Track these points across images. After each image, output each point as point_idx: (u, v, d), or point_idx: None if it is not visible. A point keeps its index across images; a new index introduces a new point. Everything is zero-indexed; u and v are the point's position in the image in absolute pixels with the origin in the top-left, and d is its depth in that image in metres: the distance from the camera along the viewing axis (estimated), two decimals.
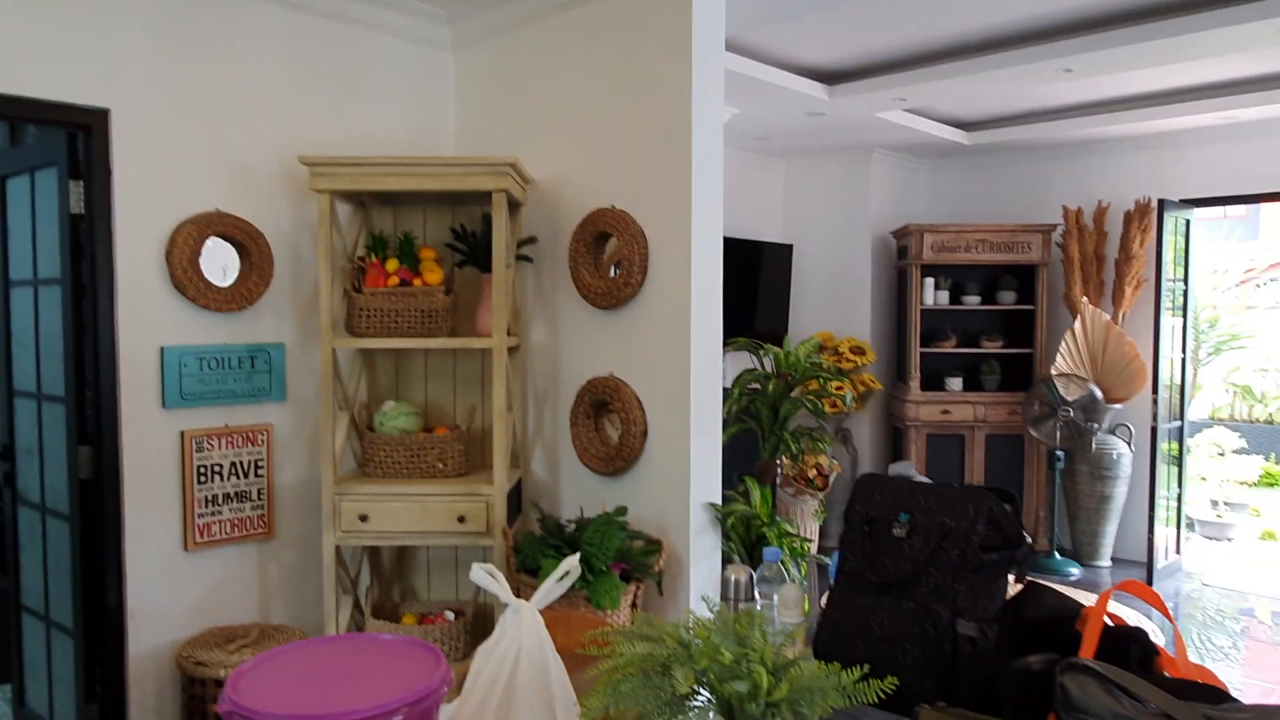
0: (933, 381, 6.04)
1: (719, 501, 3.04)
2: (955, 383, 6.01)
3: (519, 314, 3.46)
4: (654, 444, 3.07)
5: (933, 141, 5.90)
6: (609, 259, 3.21)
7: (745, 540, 3.04)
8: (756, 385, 3.76)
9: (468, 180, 2.97)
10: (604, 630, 1.28)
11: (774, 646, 1.16)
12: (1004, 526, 1.57)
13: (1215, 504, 7.03)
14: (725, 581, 1.65)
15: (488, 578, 1.39)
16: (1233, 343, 10.30)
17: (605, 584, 2.65)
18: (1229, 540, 6.64)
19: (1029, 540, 1.57)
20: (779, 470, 5.59)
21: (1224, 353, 10.28)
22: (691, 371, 2.93)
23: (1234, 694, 1.15)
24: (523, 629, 1.36)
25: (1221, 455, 7.24)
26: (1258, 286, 11.33)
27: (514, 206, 3.32)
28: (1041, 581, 1.56)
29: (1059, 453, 5.62)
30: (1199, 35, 3.70)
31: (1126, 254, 5.64)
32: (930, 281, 5.96)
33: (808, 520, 5.76)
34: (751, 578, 1.68)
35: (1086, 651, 1.33)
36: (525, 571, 2.81)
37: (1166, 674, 1.29)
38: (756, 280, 6.33)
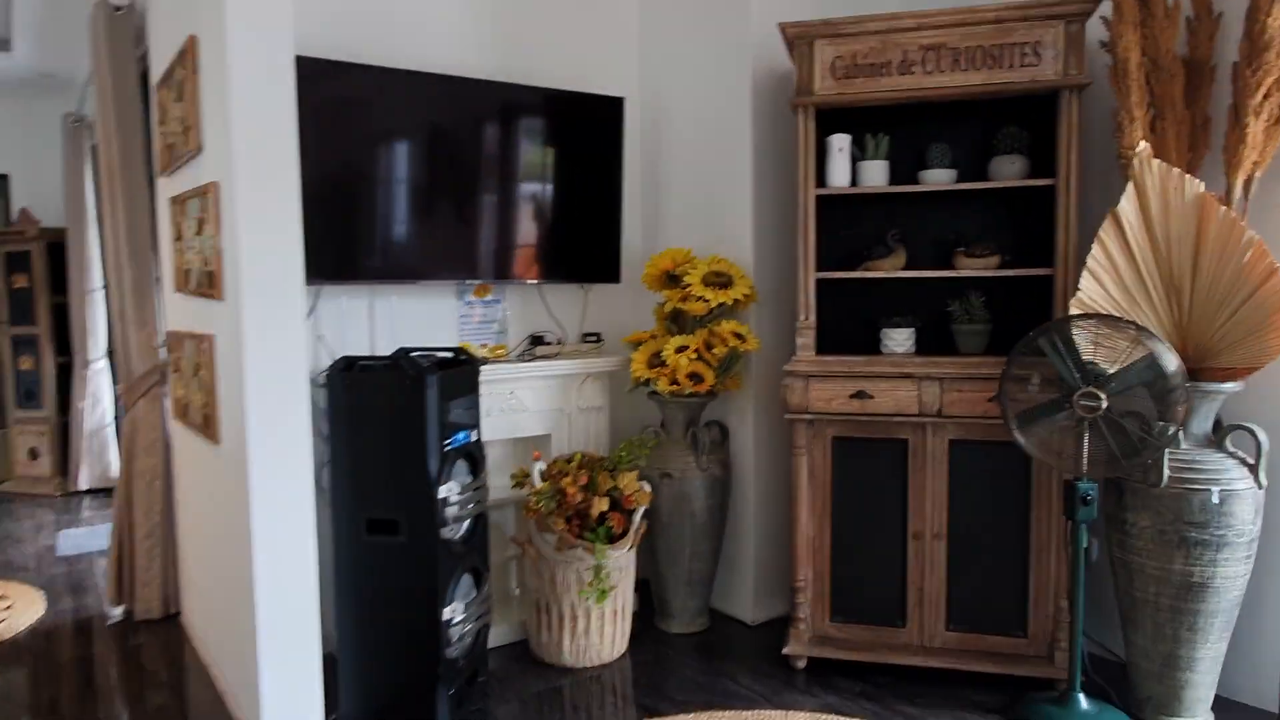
0: (859, 338, 3.17)
1: None
2: (901, 337, 3.10)
3: None
4: None
5: None
6: None
7: None
8: None
9: None
10: None
11: None
12: None
13: None
14: None
15: None
16: None
17: None
18: None
19: None
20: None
21: None
22: None
23: None
24: None
25: None
26: None
27: None
28: None
29: (1085, 486, 2.63)
30: None
31: (1253, 44, 2.52)
32: (840, 141, 3.06)
33: (572, 598, 3.08)
34: None
35: None
36: None
37: None
38: (618, 161, 3.61)
